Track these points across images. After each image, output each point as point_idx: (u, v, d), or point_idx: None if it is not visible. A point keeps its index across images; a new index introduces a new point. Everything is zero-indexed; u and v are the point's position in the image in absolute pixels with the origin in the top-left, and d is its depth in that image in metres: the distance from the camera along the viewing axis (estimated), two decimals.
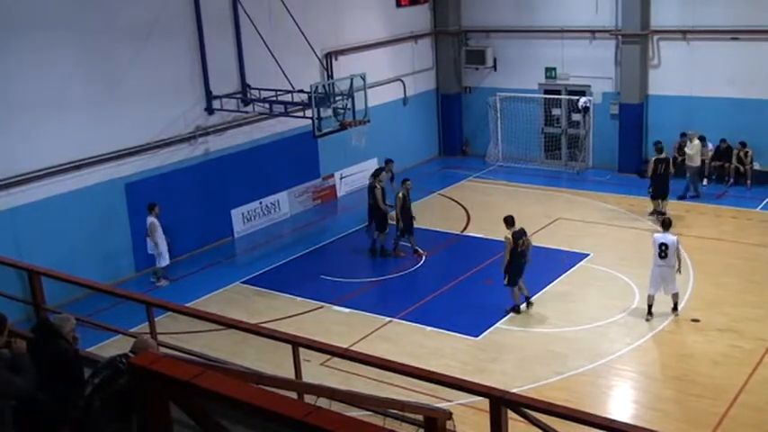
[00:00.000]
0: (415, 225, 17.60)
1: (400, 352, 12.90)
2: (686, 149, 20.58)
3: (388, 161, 19.37)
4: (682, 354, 12.89)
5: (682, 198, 20.21)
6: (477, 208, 20.54)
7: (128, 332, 8.93)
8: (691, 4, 21.52)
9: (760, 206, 19.42)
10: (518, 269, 14.44)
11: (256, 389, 4.05)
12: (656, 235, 14.15)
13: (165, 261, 16.57)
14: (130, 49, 16.79)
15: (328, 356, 10.66)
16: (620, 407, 11.89)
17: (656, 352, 12.96)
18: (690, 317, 13.96)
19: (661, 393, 11.94)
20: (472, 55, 24.97)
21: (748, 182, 20.98)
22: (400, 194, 17.34)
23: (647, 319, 13.88)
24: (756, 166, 21.09)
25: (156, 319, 8.08)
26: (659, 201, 19.10)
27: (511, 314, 14.47)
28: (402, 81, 24.12)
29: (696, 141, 20.46)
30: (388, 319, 14.58)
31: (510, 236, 14.42)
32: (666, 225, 14.19)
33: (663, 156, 19.05)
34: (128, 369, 5.13)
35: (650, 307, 13.96)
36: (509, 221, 14.65)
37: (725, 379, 11.99)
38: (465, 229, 19.24)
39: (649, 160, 19.56)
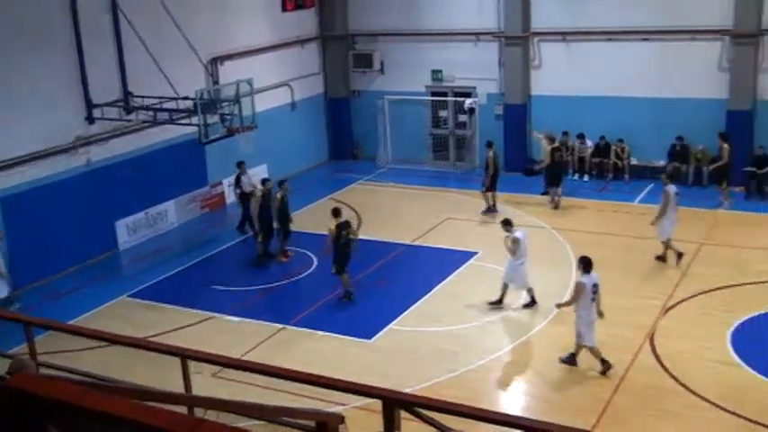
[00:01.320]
0: (307, 230, 17.64)
1: (294, 359, 12.94)
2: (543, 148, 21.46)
3: (282, 182, 18.51)
4: (568, 345, 13.38)
5: (545, 194, 21.04)
6: (369, 210, 20.76)
7: (5, 354, 8.65)
8: (569, 6, 22.40)
9: (637, 199, 20.39)
10: (344, 258, 15.23)
11: (140, 405, 4.05)
12: (518, 234, 14.69)
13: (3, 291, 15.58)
14: (2, 60, 16.22)
15: (220, 368, 10.62)
16: (511, 400, 12.32)
17: (544, 345, 13.46)
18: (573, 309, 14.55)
19: (548, 384, 12.43)
20: (360, 58, 25.23)
21: (626, 176, 22.02)
22: (278, 196, 17.33)
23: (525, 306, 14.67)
24: (633, 162, 22.16)
25: (37, 339, 7.87)
26: (551, 190, 20.14)
27: (345, 300, 15.33)
28: (290, 86, 24.13)
29: (546, 141, 21.22)
30: (281, 326, 14.60)
31: (333, 227, 15.17)
32: (504, 223, 14.86)
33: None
34: (1, 392, 5.02)
35: (501, 297, 14.73)
36: (335, 212, 15.52)
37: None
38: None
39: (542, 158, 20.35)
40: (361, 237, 18.87)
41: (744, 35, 20.42)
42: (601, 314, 12.61)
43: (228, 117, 17.66)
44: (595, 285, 12.38)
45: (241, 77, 18.41)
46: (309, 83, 25.17)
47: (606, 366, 12.44)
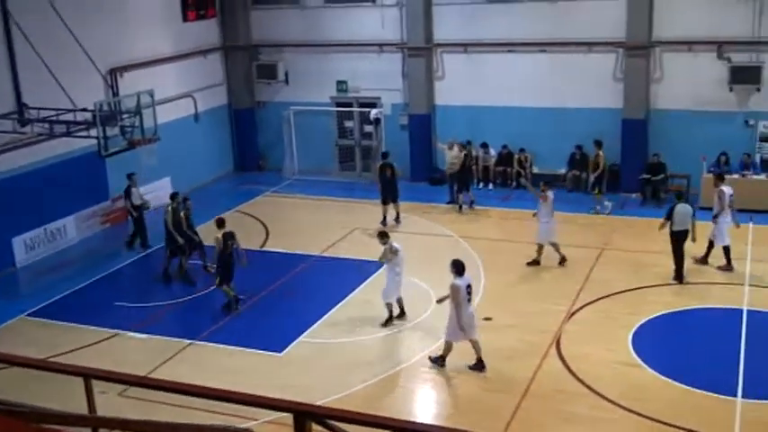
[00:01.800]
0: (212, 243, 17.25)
1: (203, 374, 12.69)
2: (446, 158, 21.77)
3: (186, 198, 17.97)
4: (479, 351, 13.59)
5: (451, 203, 21.38)
6: (276, 222, 20.59)
7: None
8: (469, 18, 22.78)
9: (598, 208, 20.79)
10: (229, 270, 15.20)
11: (39, 430, 3.88)
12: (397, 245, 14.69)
13: None
14: None
15: (125, 386, 10.31)
16: (423, 408, 12.39)
17: (454, 353, 13.53)
18: (483, 316, 14.75)
19: (459, 392, 12.55)
20: (264, 69, 25.03)
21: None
22: (169, 208, 16.92)
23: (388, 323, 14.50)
24: (535, 170, 22.68)
25: None
26: (387, 206, 20.01)
27: (233, 312, 15.25)
28: (193, 97, 23.72)
29: (455, 149, 21.52)
30: (188, 341, 14.29)
31: (220, 236, 15.12)
32: (381, 235, 14.75)
33: (386, 161, 20.24)
34: None
35: (391, 314, 14.59)
36: (219, 223, 15.51)
37: (516, 372, 12.79)
38: (264, 244, 19.24)
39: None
40: (269, 249, 18.84)
41: (636, 47, 21.22)
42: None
43: (129, 129, 17.22)
44: (469, 286, 12.79)
45: (142, 88, 18.01)
46: (213, 94, 24.81)
47: (481, 366, 12.90)
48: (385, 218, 20.03)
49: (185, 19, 23.37)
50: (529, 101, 22.57)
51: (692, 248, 16.53)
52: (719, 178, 17.18)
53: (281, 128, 25.14)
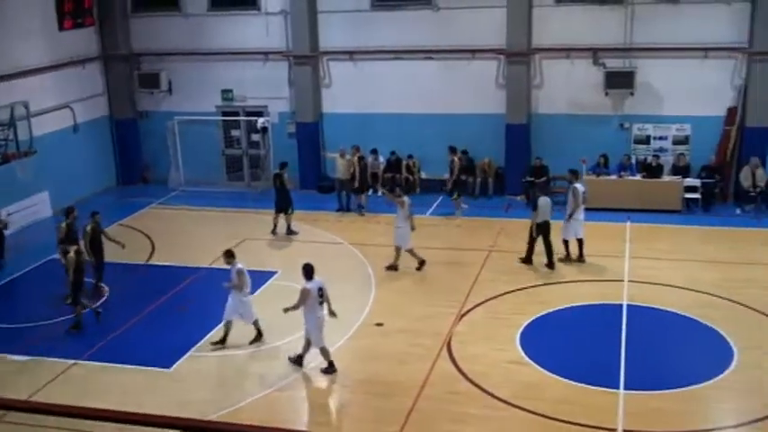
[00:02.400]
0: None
1: (89, 395, 12.29)
2: (337, 165, 21.94)
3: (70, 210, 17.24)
4: (369, 357, 13.68)
5: (340, 210, 21.58)
6: (163, 235, 20.18)
7: None
8: (355, 26, 22.96)
9: (428, 212, 21.22)
10: (81, 287, 14.93)
11: None
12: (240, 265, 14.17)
13: None
14: None
15: (4, 411, 9.88)
16: (316, 416, 12.38)
17: (347, 359, 13.64)
18: (374, 321, 14.89)
19: (353, 398, 12.61)
20: (145, 79, 24.51)
21: (417, 190, 22.86)
22: (89, 228, 16.30)
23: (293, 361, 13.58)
24: (423, 176, 23.06)
25: None
26: (278, 215, 19.97)
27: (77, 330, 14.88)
28: (71, 108, 22.98)
29: (346, 157, 21.71)
30: (73, 361, 13.81)
31: (73, 254, 14.87)
32: (227, 255, 14.22)
33: (278, 171, 20.36)
34: None
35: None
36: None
37: (409, 375, 12.93)
38: (150, 258, 18.84)
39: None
40: (155, 263, 18.43)
41: (516, 54, 21.88)
42: (333, 314, 13.25)
43: (3, 143, 16.55)
44: (320, 289, 13.01)
45: (16, 100, 17.32)
46: (93, 104, 24.11)
47: (332, 369, 13.09)
48: (275, 227, 19.94)
49: (61, 27, 22.60)
50: (416, 107, 22.92)
51: (562, 248, 17.50)
52: (574, 176, 17.93)
53: (165, 138, 24.68)
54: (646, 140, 21.80)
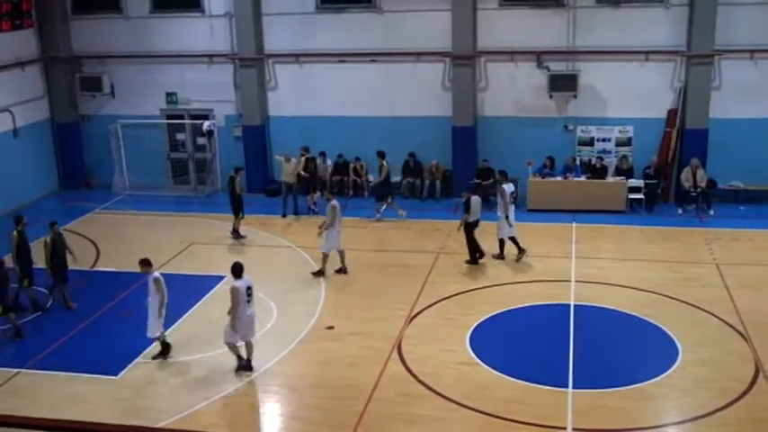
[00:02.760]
0: (39, 265, 16.33)
1: (34, 405, 12.03)
2: (283, 169, 21.73)
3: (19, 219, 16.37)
4: (320, 361, 13.65)
5: (286, 215, 21.42)
6: (107, 241, 19.88)
7: None
8: (300, 29, 22.88)
9: (377, 215, 21.25)
10: (6, 297, 14.65)
11: None
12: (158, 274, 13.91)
13: None
14: None
15: None
16: (267, 422, 12.32)
17: (298, 364, 13.59)
18: (324, 325, 14.87)
19: (304, 402, 12.55)
20: (87, 81, 24.09)
21: (365, 193, 22.90)
22: (48, 240, 15.76)
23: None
24: (371, 178, 23.06)
25: None
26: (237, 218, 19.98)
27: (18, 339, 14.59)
28: (10, 111, 22.47)
29: (293, 161, 21.63)
30: (15, 370, 13.49)
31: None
32: (143, 263, 13.80)
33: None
34: None
35: (239, 357, 13.39)
36: None
37: (360, 378, 12.94)
38: (95, 264, 18.53)
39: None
40: (101, 269, 18.13)
41: (462, 57, 22.05)
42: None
43: None
44: (249, 288, 13.13)
45: None
46: (33, 108, 23.60)
47: (246, 366, 13.21)
48: (235, 230, 19.85)
49: None
50: (362, 110, 22.96)
51: (509, 249, 17.83)
52: (503, 177, 18.25)
53: (108, 142, 24.30)
54: (590, 142, 22.17)
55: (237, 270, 13.15)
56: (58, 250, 15.82)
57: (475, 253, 17.66)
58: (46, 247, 15.76)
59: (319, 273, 17.17)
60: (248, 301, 13.10)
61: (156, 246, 19.10)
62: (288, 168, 21.53)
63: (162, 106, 24.21)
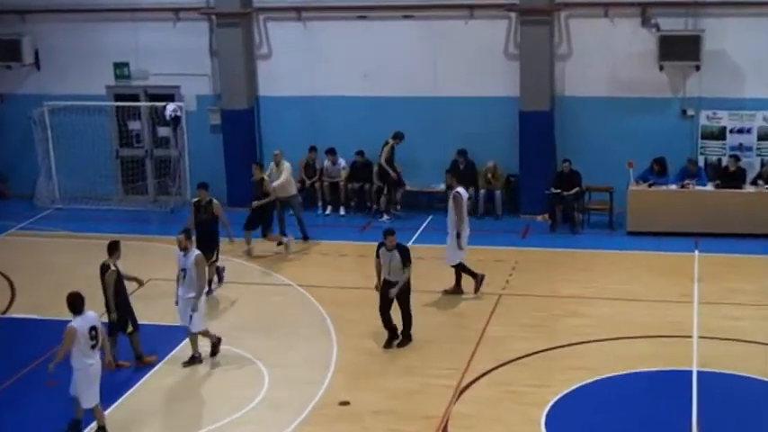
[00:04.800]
0: None
1: None
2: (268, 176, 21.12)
3: None
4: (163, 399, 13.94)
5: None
6: (27, 275, 19.97)
7: None
8: None
9: (413, 238, 21.01)
10: None
11: None
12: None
13: None
14: None
15: None
16: None
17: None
18: (336, 399, 14.64)
19: None
20: (1, 47, 24.22)
21: (398, 207, 22.75)
22: None
23: None
24: (406, 186, 22.90)
25: None
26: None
27: None
28: None
29: (286, 164, 21.39)
30: None
31: None
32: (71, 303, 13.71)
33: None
34: None
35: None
36: None
37: None
38: (8, 308, 18.59)
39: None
40: (16, 315, 18.09)
41: (534, 11, 21.88)
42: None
43: None
44: (93, 328, 13.26)
45: None
46: None
47: None
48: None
49: None
50: (391, 88, 22.93)
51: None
52: (455, 177, 18.56)
53: (30, 132, 24.49)
54: (719, 134, 21.90)
55: (76, 304, 13.25)
56: None
57: (461, 278, 18.31)
58: None
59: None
60: (93, 347, 13.20)
61: (97, 282, 19.01)
62: (277, 176, 21.28)
63: (108, 82, 24.33)
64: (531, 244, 20.96)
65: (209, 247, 17.97)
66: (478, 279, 18.19)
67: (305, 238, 21.41)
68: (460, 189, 18.09)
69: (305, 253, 20.75)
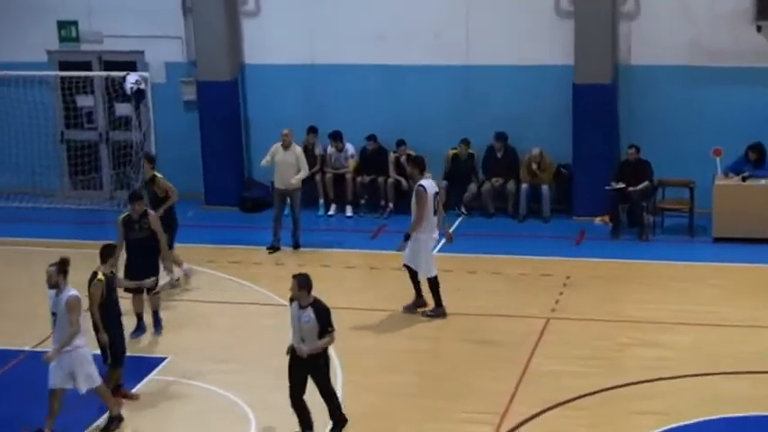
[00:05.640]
0: None
1: None
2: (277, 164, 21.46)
3: None
4: None
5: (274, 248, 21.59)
6: None
7: None
8: None
9: (437, 247, 20.93)
10: None
11: None
12: None
13: None
14: None
15: None
16: None
17: None
18: None
19: None
20: None
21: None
22: None
23: None
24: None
25: None
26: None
27: None
28: None
29: (298, 148, 21.52)
30: None
31: None
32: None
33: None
34: None
35: None
36: None
37: None
38: None
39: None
40: None
41: None
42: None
43: None
44: None
45: None
46: None
47: None
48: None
49: None
50: (411, 55, 22.94)
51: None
52: (417, 167, 18.49)
53: None
54: None
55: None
56: None
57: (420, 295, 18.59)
58: None
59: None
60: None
61: (36, 301, 18.97)
62: (284, 161, 21.37)
63: (50, 46, 24.48)
64: (587, 253, 20.92)
65: (147, 273, 17.26)
66: (417, 304, 18.53)
67: (296, 246, 21.31)
68: (425, 182, 18.19)
69: (300, 264, 20.58)
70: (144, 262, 17.60)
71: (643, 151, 21.61)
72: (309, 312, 13.94)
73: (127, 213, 18.03)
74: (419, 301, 18.49)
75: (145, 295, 17.92)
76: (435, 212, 18.18)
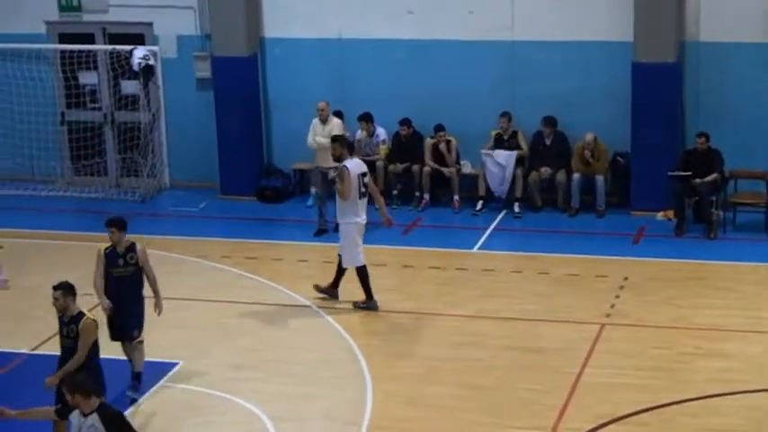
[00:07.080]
0: None
1: None
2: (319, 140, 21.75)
3: None
4: None
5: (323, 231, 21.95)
6: None
7: None
8: None
9: (478, 244, 20.95)
10: None
11: None
12: None
13: None
14: None
15: None
16: None
17: None
18: None
19: None
20: None
21: (456, 198, 22.84)
22: None
23: None
24: (468, 169, 22.99)
25: None
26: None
27: None
28: None
29: (336, 121, 22.09)
30: None
31: None
32: None
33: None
34: None
35: None
36: None
37: None
38: None
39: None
40: None
41: None
42: None
43: None
44: None
45: None
46: None
47: None
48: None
49: None
50: (448, 29, 22.98)
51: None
52: (343, 146, 18.75)
53: None
54: None
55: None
56: None
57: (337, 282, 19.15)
58: None
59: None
60: None
61: (33, 300, 19.11)
62: (323, 137, 21.52)
63: (49, 17, 24.59)
64: (647, 253, 20.83)
65: (130, 318, 16.30)
66: (331, 292, 19.09)
67: (337, 228, 21.25)
68: (350, 162, 18.48)
69: (325, 260, 20.67)
70: (126, 305, 16.30)
71: (712, 139, 21.55)
72: (95, 424, 11.30)
73: (108, 245, 16.54)
74: (330, 290, 19.03)
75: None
76: (362, 196, 18.35)
